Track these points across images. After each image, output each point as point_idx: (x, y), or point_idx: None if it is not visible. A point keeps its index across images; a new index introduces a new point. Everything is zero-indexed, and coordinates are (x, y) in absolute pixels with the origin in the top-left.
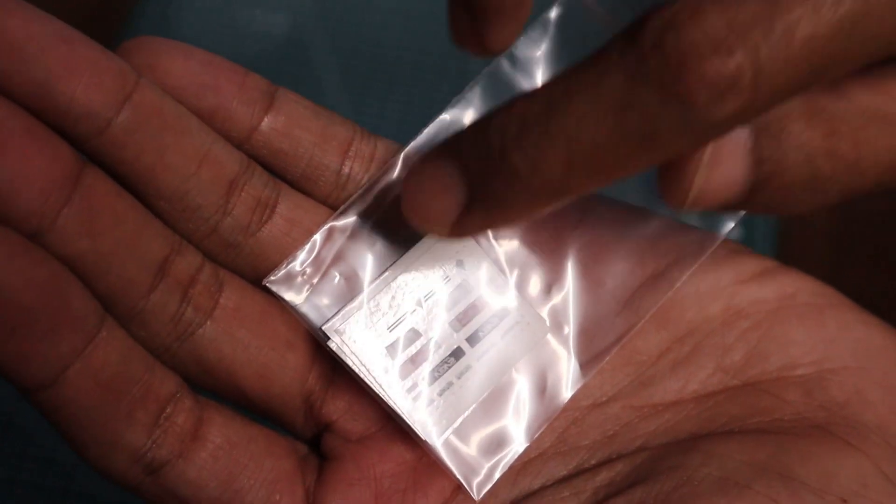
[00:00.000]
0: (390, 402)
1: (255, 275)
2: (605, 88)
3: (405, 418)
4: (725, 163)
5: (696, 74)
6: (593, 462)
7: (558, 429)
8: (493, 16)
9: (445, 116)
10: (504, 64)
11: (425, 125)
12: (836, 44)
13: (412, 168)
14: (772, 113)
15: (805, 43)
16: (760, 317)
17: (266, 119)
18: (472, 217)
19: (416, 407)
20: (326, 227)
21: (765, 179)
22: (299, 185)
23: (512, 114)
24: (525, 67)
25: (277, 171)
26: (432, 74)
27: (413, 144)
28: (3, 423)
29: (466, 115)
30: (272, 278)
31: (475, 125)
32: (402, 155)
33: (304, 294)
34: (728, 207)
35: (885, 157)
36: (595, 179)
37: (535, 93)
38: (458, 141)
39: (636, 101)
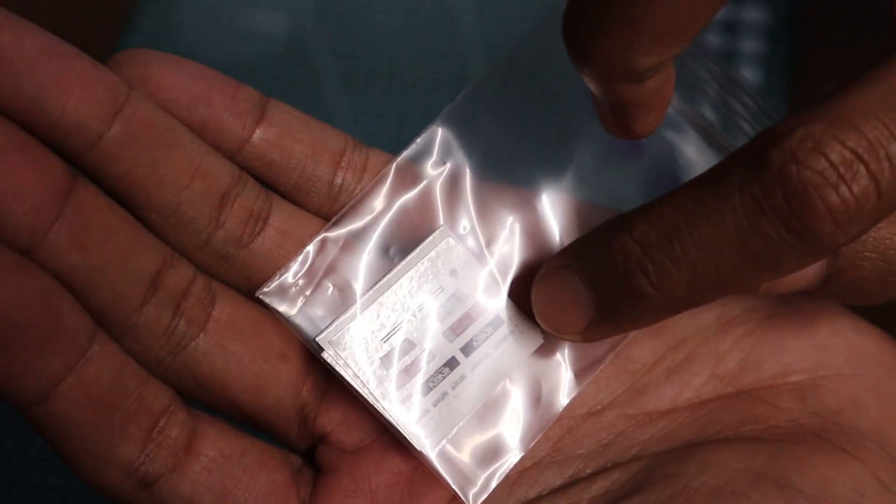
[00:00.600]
0: (385, 414)
1: (248, 287)
2: (728, 217)
3: (400, 429)
4: None
5: (822, 207)
6: (589, 471)
7: (553, 438)
8: (637, 112)
9: (436, 127)
10: (497, 72)
11: (424, 129)
12: None
13: (542, 275)
14: None
15: None
16: (754, 324)
17: (258, 131)
18: (602, 327)
19: (411, 418)
20: (319, 238)
21: (839, 272)
22: (292, 196)
23: (634, 237)
24: (518, 75)
25: (269, 182)
26: (432, 75)
27: (404, 155)
28: (3, 423)
29: (457, 125)
30: (265, 290)
31: (597, 240)
32: (393, 166)
33: (298, 305)
34: (801, 293)
35: None
36: (716, 295)
37: (654, 214)
38: (582, 253)
39: (760, 231)
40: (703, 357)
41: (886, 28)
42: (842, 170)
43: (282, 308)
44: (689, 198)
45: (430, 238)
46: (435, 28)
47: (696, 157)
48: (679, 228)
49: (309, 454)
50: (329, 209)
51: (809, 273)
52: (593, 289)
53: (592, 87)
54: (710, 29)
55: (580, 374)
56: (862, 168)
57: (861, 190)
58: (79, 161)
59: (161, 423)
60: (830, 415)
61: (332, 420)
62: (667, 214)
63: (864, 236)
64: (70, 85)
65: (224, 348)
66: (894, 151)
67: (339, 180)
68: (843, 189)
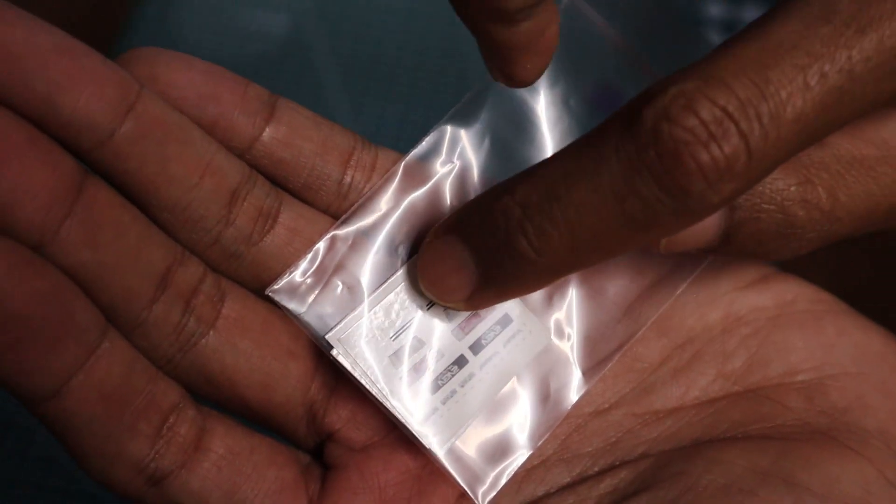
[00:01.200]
0: (394, 412)
1: (258, 285)
2: (604, 177)
3: (409, 427)
4: None
5: (692, 165)
6: (596, 469)
7: (561, 436)
8: (517, 55)
9: (445, 126)
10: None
11: (425, 129)
12: (824, 116)
13: (426, 243)
14: None
15: (794, 121)
16: (760, 323)
17: (267, 129)
18: (486, 293)
19: (420, 416)
20: (328, 236)
21: (738, 226)
22: (301, 194)
23: (514, 199)
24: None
25: (279, 180)
26: (432, 75)
27: (413, 154)
28: (4, 423)
29: (465, 123)
30: (275, 287)
31: (480, 205)
32: (402, 164)
33: (307, 303)
34: (702, 251)
35: (861, 203)
36: (598, 257)
37: (535, 176)
38: (465, 219)
39: (635, 190)
40: (709, 356)
41: None
42: (712, 128)
43: (291, 306)
44: (568, 158)
45: None
46: (435, 28)
47: None
48: (558, 189)
49: (317, 451)
50: (338, 207)
51: (708, 230)
52: (476, 254)
53: (469, 28)
54: (710, 29)
55: (588, 372)
56: (732, 126)
57: (731, 149)
58: (90, 158)
59: (171, 421)
60: (837, 413)
61: (341, 418)
62: (547, 175)
63: (760, 188)
64: (82, 82)
65: (233, 346)
66: (764, 111)
67: (348, 179)
68: (714, 147)
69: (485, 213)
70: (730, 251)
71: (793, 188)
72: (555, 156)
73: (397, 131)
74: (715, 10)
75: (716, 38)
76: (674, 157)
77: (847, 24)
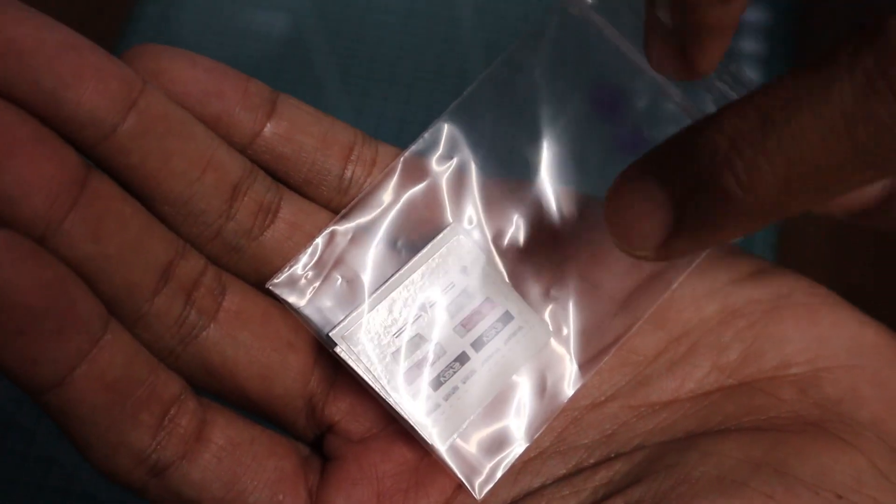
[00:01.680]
0: (396, 408)
1: (258, 278)
2: (834, 100)
3: (412, 423)
4: None
5: None
6: (592, 461)
7: (557, 428)
8: (704, 38)
9: (444, 122)
10: (502, 68)
11: (425, 129)
12: None
13: (614, 186)
14: None
15: None
16: (755, 316)
17: (269, 125)
18: (681, 240)
19: (422, 412)
20: (328, 230)
21: None
22: (302, 189)
23: (722, 131)
24: (522, 71)
25: (280, 175)
26: (432, 74)
27: (412, 149)
28: (4, 423)
29: (464, 119)
30: (275, 281)
31: (680, 141)
32: (401, 160)
33: (307, 297)
34: (853, 216)
35: None
36: (814, 199)
37: (746, 105)
38: (661, 158)
39: (871, 112)
40: (704, 349)
41: None
42: None
43: (291, 299)
44: (787, 86)
45: (441, 234)
46: (435, 28)
47: None
48: (774, 118)
49: (317, 444)
50: (339, 202)
51: (871, 193)
52: (673, 195)
53: (672, 15)
54: None
55: (584, 365)
56: None
57: None
58: (93, 153)
59: (172, 412)
60: (830, 405)
61: (340, 410)
62: (762, 104)
63: None
64: (86, 78)
65: (234, 338)
66: None
67: (348, 174)
68: None
69: (686, 149)
70: (884, 222)
71: None
72: (769, 84)
73: (397, 131)
74: None
75: None
76: None
77: None
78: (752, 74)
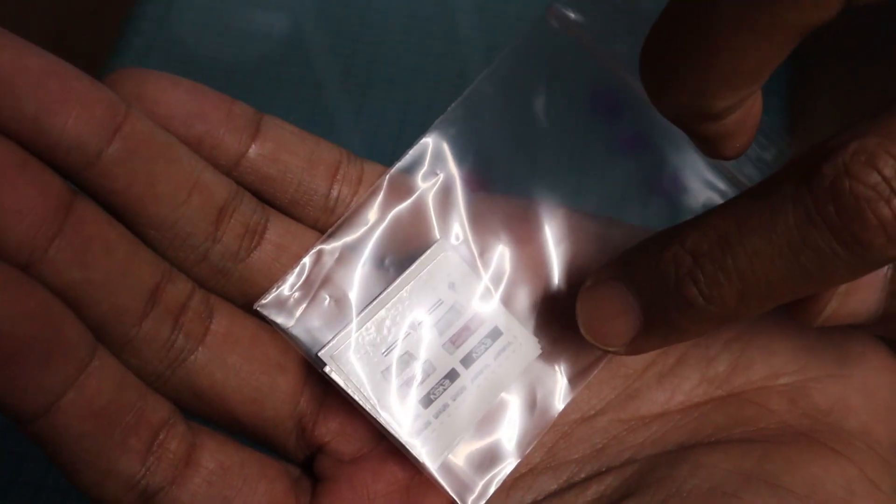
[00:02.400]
0: (387, 427)
1: (245, 300)
2: (780, 229)
3: (403, 442)
4: (861, 292)
5: (874, 221)
6: (583, 475)
7: (548, 443)
8: (723, 141)
9: (429, 138)
10: (486, 83)
11: (424, 130)
12: None
13: (588, 287)
14: None
15: None
16: (743, 328)
17: (253, 146)
18: (649, 338)
19: (413, 430)
20: (315, 250)
21: None
22: (288, 210)
23: (685, 247)
24: (507, 85)
25: (266, 197)
26: (432, 75)
27: (398, 167)
28: (3, 423)
29: (449, 135)
30: (263, 302)
31: (647, 251)
32: (386, 177)
33: (295, 317)
34: (856, 327)
35: None
36: (766, 306)
37: (705, 225)
38: (631, 265)
39: (811, 242)
40: (693, 360)
41: None
42: (895, 184)
43: (279, 320)
44: (741, 208)
45: (428, 251)
46: (435, 28)
47: (694, 169)
48: (731, 239)
49: (307, 464)
50: (326, 222)
51: (866, 310)
52: (641, 299)
53: (677, 125)
54: None
55: (574, 379)
56: None
57: None
58: (78, 178)
59: (161, 437)
60: (820, 415)
61: (330, 430)
62: (719, 225)
63: None
64: (70, 104)
65: (222, 361)
66: None
67: (335, 193)
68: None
69: (653, 259)
70: (881, 331)
71: None
72: (724, 205)
73: (397, 131)
74: None
75: None
76: (855, 213)
77: None
78: None
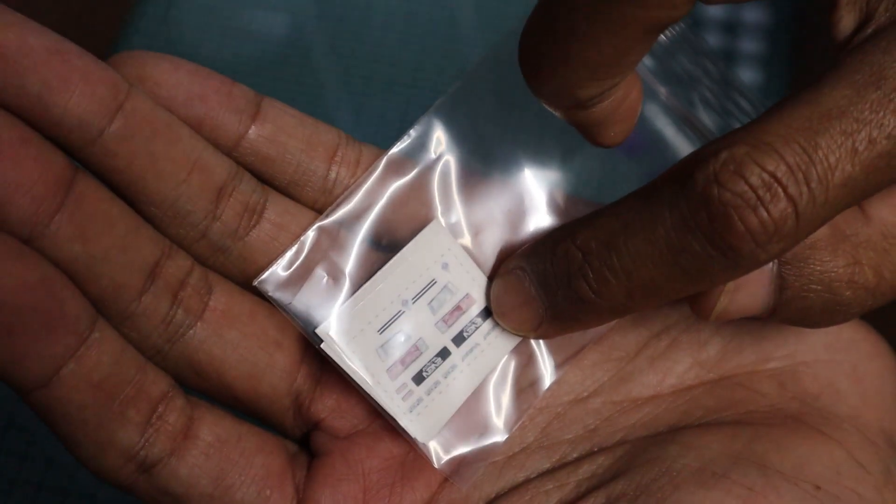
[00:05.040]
0: (380, 403)
1: (244, 278)
2: (659, 231)
3: (394, 418)
4: (750, 287)
5: (741, 228)
6: (575, 455)
7: (541, 424)
8: (597, 129)
9: (428, 120)
10: (484, 67)
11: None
12: (871, 178)
13: (499, 276)
14: None
15: (842, 185)
16: None
17: (253, 127)
18: (552, 326)
19: (405, 407)
20: (313, 228)
21: (786, 303)
22: (287, 190)
23: (576, 244)
24: (507, 68)
25: (266, 177)
26: (432, 75)
27: (396, 148)
28: (3, 423)
29: (448, 117)
30: (261, 278)
31: (546, 244)
32: (385, 158)
33: (293, 294)
34: (749, 318)
35: None
36: (654, 303)
37: (595, 224)
38: (533, 258)
39: (687, 245)
40: (685, 344)
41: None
42: (761, 192)
43: (277, 296)
44: (626, 209)
45: (423, 231)
46: (435, 28)
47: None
48: (616, 239)
49: (304, 441)
50: (324, 203)
51: (756, 304)
52: (542, 291)
53: (554, 113)
54: (710, 29)
55: (561, 359)
56: (780, 191)
57: (779, 212)
58: (80, 155)
59: (160, 409)
60: (809, 399)
61: (326, 407)
62: (607, 225)
63: (809, 269)
64: (73, 82)
65: (220, 336)
66: (813, 176)
67: (333, 174)
68: (762, 211)
69: (550, 254)
70: (777, 320)
71: (840, 269)
72: (614, 205)
73: (397, 131)
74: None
75: (714, 38)
76: (724, 220)
77: None
78: (752, 75)
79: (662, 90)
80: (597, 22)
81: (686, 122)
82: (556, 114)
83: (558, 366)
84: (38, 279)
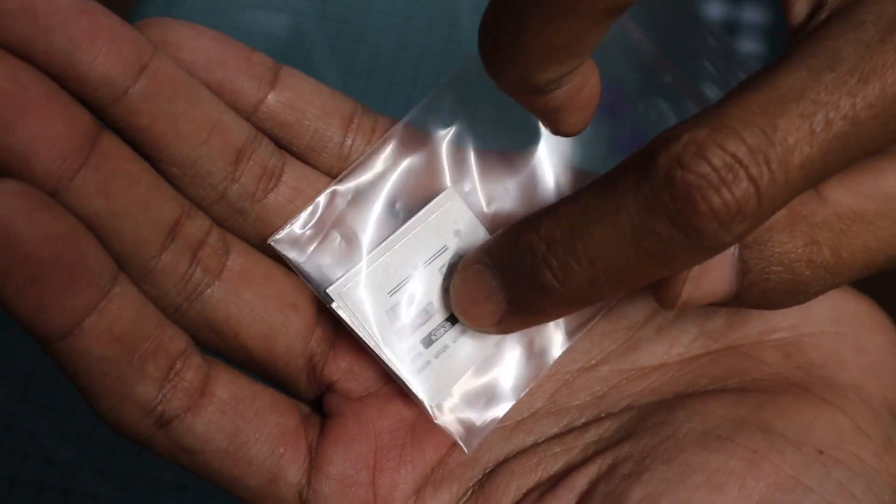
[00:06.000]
0: (389, 364)
1: (261, 240)
2: (623, 216)
3: (404, 380)
4: (713, 273)
5: (705, 208)
6: (583, 420)
7: (550, 390)
8: (555, 115)
9: (443, 90)
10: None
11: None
12: (829, 159)
13: (459, 271)
14: None
15: (801, 165)
16: None
17: (272, 93)
18: (514, 320)
19: (414, 368)
20: (329, 190)
21: (749, 287)
22: (304, 156)
23: (539, 234)
24: None
25: (283, 143)
26: (432, 75)
27: (411, 116)
28: (4, 423)
29: (463, 88)
30: (276, 237)
31: (507, 238)
32: (401, 125)
33: (307, 253)
34: (714, 305)
35: (861, 257)
36: (618, 290)
37: (558, 213)
38: (494, 251)
39: (651, 229)
40: (692, 315)
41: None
42: (723, 173)
43: (291, 255)
44: (589, 197)
45: (437, 198)
46: (435, 28)
47: None
48: (580, 226)
49: (317, 404)
50: (339, 169)
51: (721, 290)
52: (504, 284)
53: (514, 99)
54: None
55: (571, 329)
56: (742, 172)
57: (742, 192)
58: (105, 113)
59: (177, 366)
60: (813, 368)
61: (340, 369)
62: (569, 213)
63: (769, 251)
64: (99, 41)
65: (237, 296)
66: (773, 157)
67: (349, 142)
68: (725, 191)
69: (511, 246)
70: (739, 305)
71: (800, 250)
72: (576, 194)
73: None
74: (714, 11)
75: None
76: (687, 201)
77: (851, 73)
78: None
79: (670, 68)
80: (551, 6)
81: (692, 99)
82: (516, 100)
83: (569, 336)
84: (62, 231)
